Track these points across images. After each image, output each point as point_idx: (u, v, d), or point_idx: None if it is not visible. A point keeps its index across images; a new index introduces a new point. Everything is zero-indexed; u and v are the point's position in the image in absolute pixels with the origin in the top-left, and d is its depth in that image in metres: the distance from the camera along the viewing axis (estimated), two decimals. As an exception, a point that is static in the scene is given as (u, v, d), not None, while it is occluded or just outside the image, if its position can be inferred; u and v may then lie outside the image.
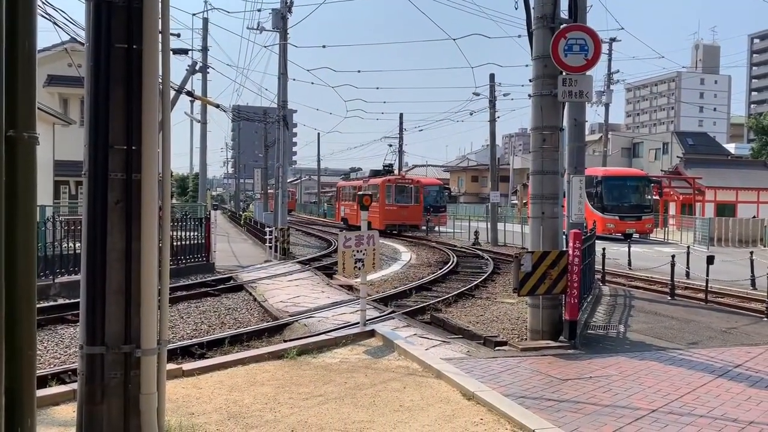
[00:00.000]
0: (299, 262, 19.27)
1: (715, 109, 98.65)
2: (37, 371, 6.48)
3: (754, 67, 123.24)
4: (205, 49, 29.26)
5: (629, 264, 18.71)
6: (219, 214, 49.93)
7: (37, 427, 2.86)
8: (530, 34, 8.58)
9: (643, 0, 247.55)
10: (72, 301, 11.19)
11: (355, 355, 7.45)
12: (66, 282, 12.75)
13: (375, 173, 38.00)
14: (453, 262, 19.34)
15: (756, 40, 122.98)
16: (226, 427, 5.00)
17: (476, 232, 28.57)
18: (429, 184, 41.22)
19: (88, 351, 3.45)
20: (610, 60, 37.70)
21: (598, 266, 14.82)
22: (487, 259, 20.51)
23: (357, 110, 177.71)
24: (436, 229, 35.50)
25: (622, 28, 66.97)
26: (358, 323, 8.78)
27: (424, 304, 12.03)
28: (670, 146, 56.34)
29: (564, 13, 8.69)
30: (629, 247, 19.65)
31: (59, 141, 21.47)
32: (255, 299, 12.48)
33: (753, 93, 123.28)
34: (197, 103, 30.36)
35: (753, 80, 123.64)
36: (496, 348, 7.96)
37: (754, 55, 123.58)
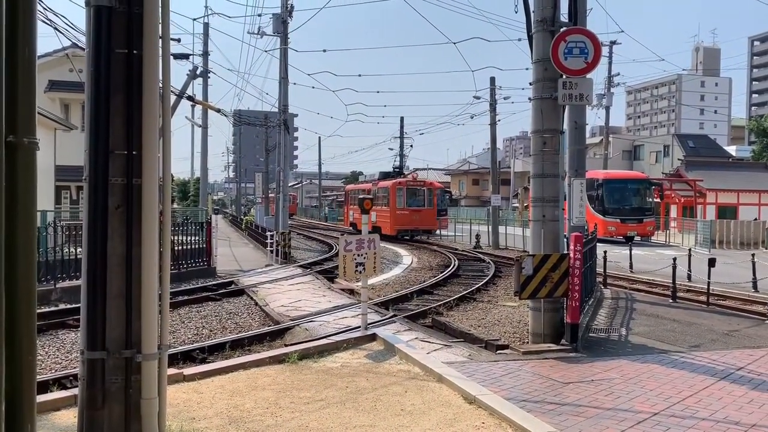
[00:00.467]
0: (300, 266, 19.27)
1: (715, 112, 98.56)
2: (39, 376, 6.48)
3: (754, 70, 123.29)
4: (205, 54, 29.31)
5: (630, 267, 18.69)
6: (220, 219, 49.98)
7: (38, 432, 2.85)
8: (530, 38, 8.58)
9: (643, 3, 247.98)
10: (73, 306, 11.19)
11: (356, 359, 7.44)
12: (67, 287, 12.76)
13: (385, 175, 36.17)
14: (454, 265, 19.33)
15: (756, 43, 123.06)
16: (227, 431, 5.00)
17: (477, 236, 28.55)
18: None
19: (88, 356, 3.45)
20: (610, 63, 37.76)
21: (599, 269, 14.81)
22: (489, 262, 20.50)
23: (358, 114, 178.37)
24: (438, 232, 35.46)
25: (623, 31, 67.04)
26: (359, 327, 8.77)
27: (426, 307, 12.02)
28: (671, 149, 56.36)
29: (564, 17, 8.71)
30: (630, 250, 19.64)
31: (60, 146, 21.52)
32: (256, 303, 12.47)
33: (754, 95, 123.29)
34: (198, 108, 30.44)
35: (753, 82, 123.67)
36: (498, 351, 7.94)
37: (755, 57, 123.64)
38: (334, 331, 9.21)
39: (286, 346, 8.37)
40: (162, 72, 3.54)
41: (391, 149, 44.95)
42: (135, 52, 3.44)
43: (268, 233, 22.50)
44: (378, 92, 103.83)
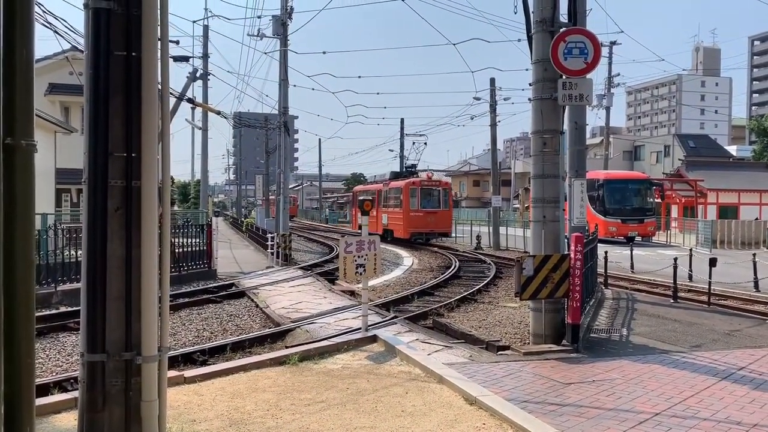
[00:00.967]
0: (301, 268, 19.26)
1: (716, 112, 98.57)
2: (40, 379, 6.49)
3: (754, 69, 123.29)
4: (205, 56, 29.33)
5: (631, 267, 18.68)
6: (221, 221, 49.98)
7: (38, 435, 2.85)
8: (530, 38, 8.58)
9: (642, 3, 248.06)
10: (74, 308, 11.19)
11: (357, 360, 7.43)
12: (68, 290, 12.76)
13: (396, 175, 34.09)
14: (455, 266, 19.32)
15: (756, 42, 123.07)
16: (227, 433, 4.99)
17: (478, 237, 28.53)
18: None
19: (88, 358, 3.44)
20: (610, 63, 37.78)
21: (600, 270, 14.79)
22: (489, 263, 20.48)
23: (358, 116, 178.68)
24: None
25: (622, 32, 66.98)
26: (360, 329, 8.76)
27: (426, 309, 12.01)
28: (671, 149, 56.35)
29: (563, 17, 8.71)
30: (631, 250, 19.63)
31: (61, 149, 21.54)
32: (257, 305, 12.46)
33: (754, 95, 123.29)
34: (198, 110, 30.46)
35: (754, 82, 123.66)
36: (499, 352, 7.93)
37: (755, 57, 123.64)
38: (335, 332, 9.20)
39: (286, 347, 8.36)
40: (161, 74, 3.54)
41: (392, 150, 44.92)
42: (134, 54, 3.44)
43: (269, 235, 22.48)
44: (378, 94, 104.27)
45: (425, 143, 34.39)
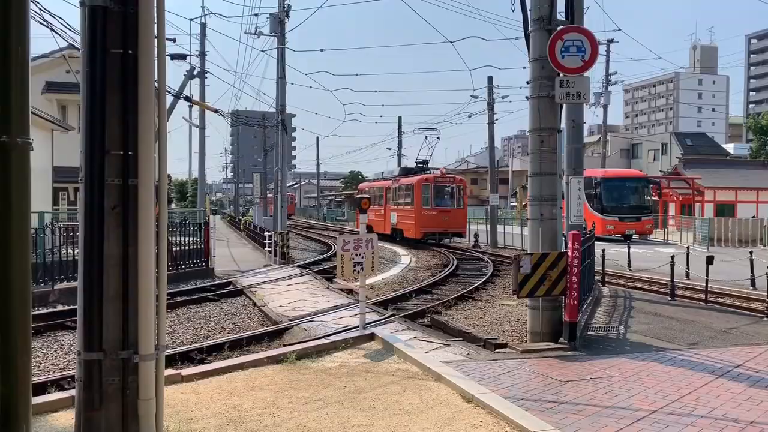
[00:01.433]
0: (299, 266, 19.26)
1: (713, 110, 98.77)
2: (37, 378, 6.48)
3: (752, 67, 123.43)
4: (203, 54, 29.30)
5: (629, 265, 18.70)
6: (218, 219, 49.97)
7: (34, 433, 2.84)
8: (527, 37, 8.58)
9: (640, 1, 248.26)
10: (71, 307, 11.16)
11: (354, 358, 7.43)
12: (65, 288, 12.73)
13: (406, 171, 31.81)
14: (453, 264, 19.33)
15: (753, 40, 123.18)
16: (225, 431, 4.99)
17: (476, 235, 28.53)
18: None
19: (85, 357, 3.43)
20: (607, 61, 37.81)
21: (597, 267, 14.81)
22: (487, 261, 20.49)
23: (355, 114, 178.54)
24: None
25: (620, 30, 67.10)
26: (357, 327, 8.76)
27: (424, 307, 12.01)
28: (668, 147, 56.45)
29: (561, 15, 8.70)
30: (629, 248, 19.65)
31: (58, 147, 21.48)
32: (254, 304, 12.46)
33: (751, 93, 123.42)
34: (196, 109, 30.42)
35: (751, 80, 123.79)
36: (496, 350, 7.94)
37: (752, 55, 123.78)
38: (333, 330, 9.20)
39: (284, 346, 8.36)
40: (158, 72, 3.53)
41: (389, 149, 44.91)
42: (130, 52, 3.43)
43: (267, 233, 22.48)
44: (375, 92, 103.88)
45: (438, 137, 31.94)
